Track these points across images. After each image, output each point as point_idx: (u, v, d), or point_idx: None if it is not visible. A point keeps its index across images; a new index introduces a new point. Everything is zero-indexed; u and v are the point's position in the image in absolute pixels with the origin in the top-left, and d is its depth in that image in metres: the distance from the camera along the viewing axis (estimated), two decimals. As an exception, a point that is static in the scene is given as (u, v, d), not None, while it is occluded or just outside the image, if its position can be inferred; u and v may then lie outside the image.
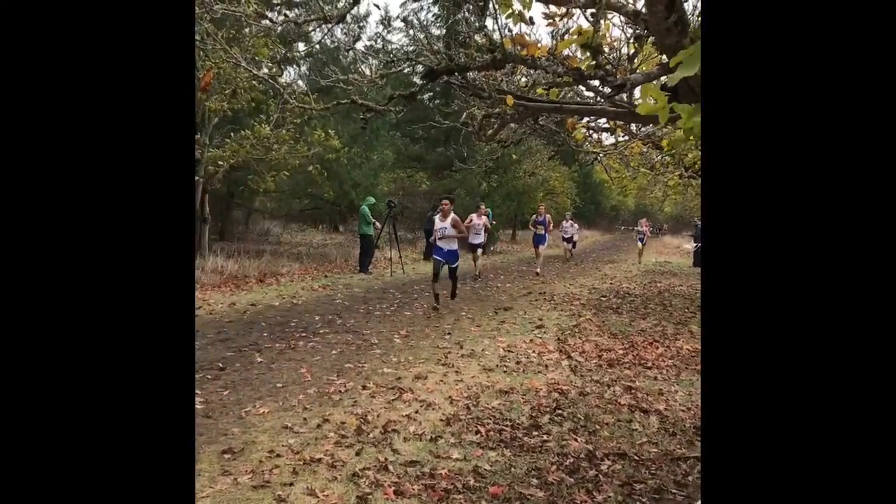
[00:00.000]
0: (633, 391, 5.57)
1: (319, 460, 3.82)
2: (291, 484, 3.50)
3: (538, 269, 16.87)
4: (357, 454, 3.94)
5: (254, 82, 11.95)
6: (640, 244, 23.10)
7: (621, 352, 7.28)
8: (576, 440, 4.31)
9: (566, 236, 21.58)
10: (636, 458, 4.06)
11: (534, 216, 17.11)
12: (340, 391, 5.26)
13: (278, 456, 3.86)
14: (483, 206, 15.55)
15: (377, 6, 27.88)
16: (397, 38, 24.88)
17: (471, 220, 14.30)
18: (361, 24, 21.00)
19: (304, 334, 7.64)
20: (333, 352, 6.77)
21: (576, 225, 23.20)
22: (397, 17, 25.11)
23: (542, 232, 16.71)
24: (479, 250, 15.30)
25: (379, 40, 22.94)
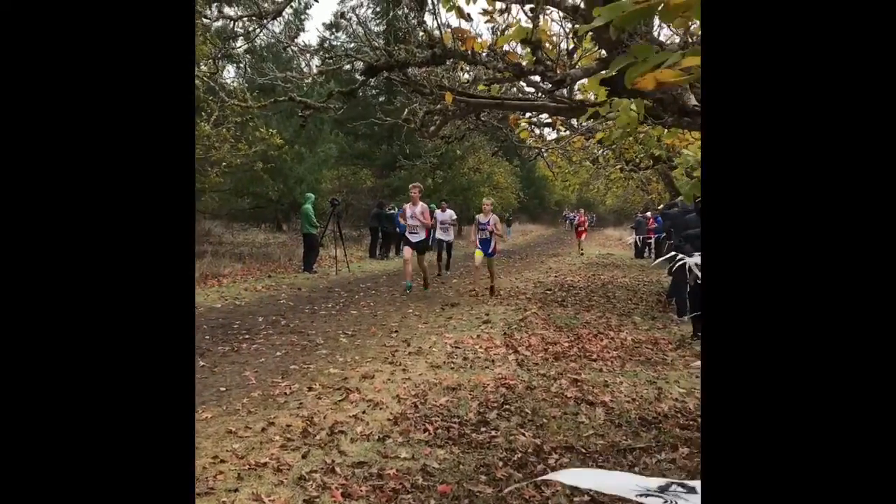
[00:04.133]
0: (578, 384, 5.63)
1: (265, 465, 3.74)
2: (236, 490, 3.42)
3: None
4: (303, 457, 3.88)
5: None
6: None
7: (567, 345, 7.35)
8: (523, 435, 4.32)
9: (442, 236, 13.79)
10: (583, 450, 4.10)
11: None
12: (286, 393, 5.18)
13: (222, 461, 3.77)
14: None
15: (316, 1, 27.56)
16: (340, 38, 24.64)
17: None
18: (301, 18, 20.74)
19: (247, 336, 7.50)
20: (278, 353, 6.66)
21: (453, 213, 14.46)
22: (338, 13, 24.83)
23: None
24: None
25: (323, 41, 22.76)
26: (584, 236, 26.71)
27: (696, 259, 6.95)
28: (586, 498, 3.40)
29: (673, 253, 8.54)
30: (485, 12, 3.89)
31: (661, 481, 1.47)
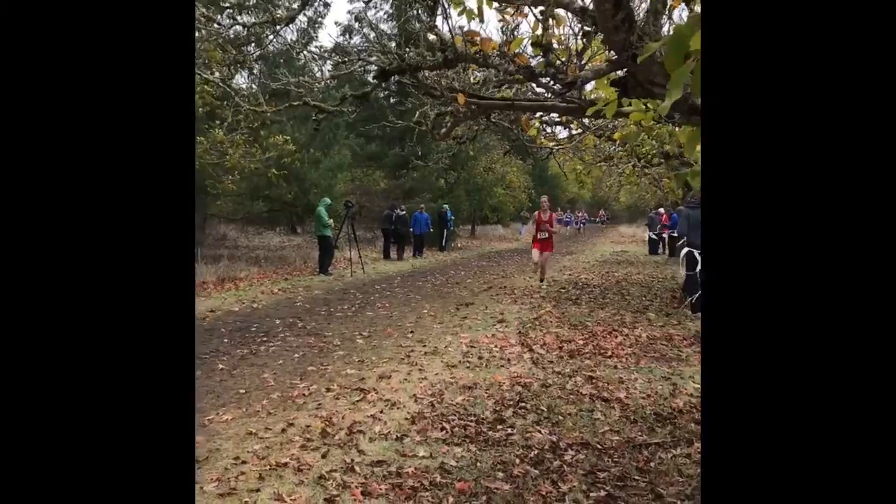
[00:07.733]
0: (593, 381, 5.65)
1: (285, 465, 3.81)
2: (258, 490, 3.49)
3: None
4: (323, 457, 3.94)
5: (206, 87, 11.80)
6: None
7: (581, 342, 7.37)
8: (539, 432, 4.36)
9: None
10: (599, 446, 4.13)
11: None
12: (304, 394, 5.25)
13: (244, 462, 3.84)
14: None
15: (327, 4, 27.61)
16: (355, 41, 24.72)
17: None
18: (317, 24, 20.81)
19: (265, 339, 7.58)
20: (296, 355, 6.73)
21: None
22: (350, 14, 24.92)
23: None
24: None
25: (337, 45, 22.79)
26: (547, 250, 12.31)
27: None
28: (602, 493, 3.44)
29: (681, 243, 8.67)
30: (499, 11, 3.92)
31: None
